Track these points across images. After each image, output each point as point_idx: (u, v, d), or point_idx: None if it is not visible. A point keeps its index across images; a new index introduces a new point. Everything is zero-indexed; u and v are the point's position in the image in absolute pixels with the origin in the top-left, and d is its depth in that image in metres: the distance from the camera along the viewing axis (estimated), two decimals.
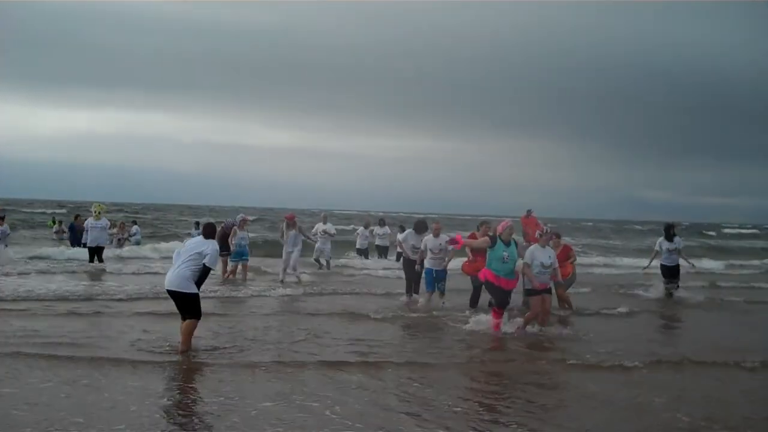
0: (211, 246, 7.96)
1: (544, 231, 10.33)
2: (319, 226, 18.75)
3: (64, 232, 21.74)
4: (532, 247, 10.08)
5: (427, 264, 11.98)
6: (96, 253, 17.30)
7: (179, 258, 8.00)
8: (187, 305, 7.93)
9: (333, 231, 19.05)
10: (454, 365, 7.95)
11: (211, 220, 14.23)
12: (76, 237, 22.21)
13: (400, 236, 13.39)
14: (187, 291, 7.87)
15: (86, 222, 17.82)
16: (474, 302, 11.93)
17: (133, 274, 16.43)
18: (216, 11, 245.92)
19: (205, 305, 8.55)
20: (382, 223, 22.80)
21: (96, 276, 15.84)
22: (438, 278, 12.00)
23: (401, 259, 14.00)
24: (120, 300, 11.96)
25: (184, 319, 7.98)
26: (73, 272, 16.27)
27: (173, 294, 7.92)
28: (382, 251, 22.04)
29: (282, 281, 15.03)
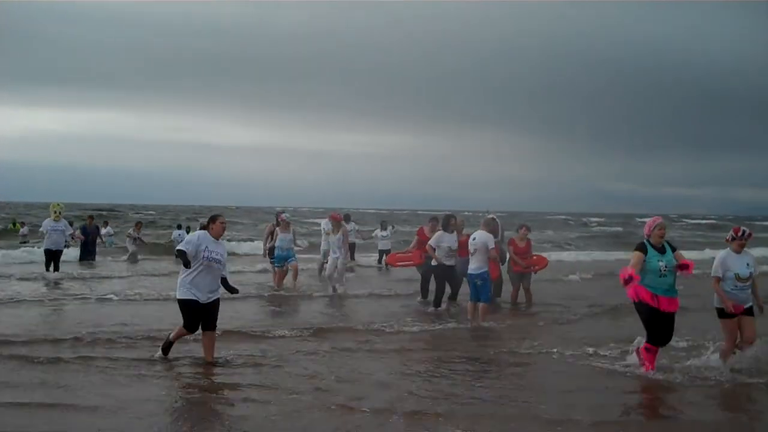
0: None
1: (744, 234, 7.30)
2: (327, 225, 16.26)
3: (80, 238, 19.75)
4: (723, 253, 7.38)
5: (484, 266, 10.10)
6: (54, 258, 15.63)
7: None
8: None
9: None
10: None
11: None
12: (88, 242, 20.11)
13: (432, 241, 11.35)
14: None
15: (44, 224, 16.12)
16: (425, 293, 12.06)
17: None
18: (183, 7, 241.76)
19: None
20: (384, 225, 21.31)
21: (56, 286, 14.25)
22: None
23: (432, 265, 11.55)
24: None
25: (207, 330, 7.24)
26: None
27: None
28: (385, 254, 19.84)
29: (335, 289, 13.13)
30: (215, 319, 7.26)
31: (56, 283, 14.21)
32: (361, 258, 20.80)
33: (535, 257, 12.67)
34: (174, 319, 7.87)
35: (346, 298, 12.75)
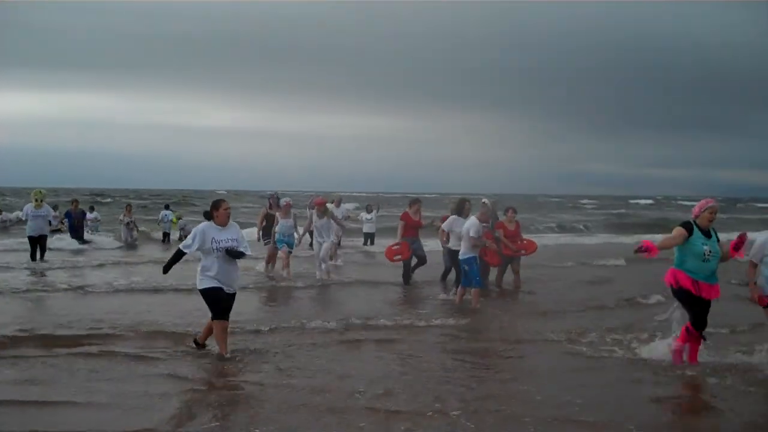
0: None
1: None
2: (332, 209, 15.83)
3: (62, 222, 19.23)
4: (764, 236, 6.85)
5: (469, 252, 10.02)
6: (38, 244, 15.22)
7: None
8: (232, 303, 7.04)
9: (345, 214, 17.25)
10: None
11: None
12: (73, 226, 19.70)
13: (445, 226, 11.19)
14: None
15: (24, 209, 15.55)
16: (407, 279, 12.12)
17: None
18: None
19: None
20: (369, 208, 21.08)
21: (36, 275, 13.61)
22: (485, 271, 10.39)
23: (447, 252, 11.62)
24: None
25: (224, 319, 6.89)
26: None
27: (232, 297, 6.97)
28: (369, 237, 20.37)
29: (321, 279, 12.75)
30: (229, 311, 6.94)
31: (42, 273, 13.57)
32: (347, 242, 20.32)
33: (525, 241, 12.53)
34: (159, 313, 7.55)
35: (335, 286, 12.31)
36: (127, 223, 21.06)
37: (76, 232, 19.83)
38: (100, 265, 15.04)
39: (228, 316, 6.91)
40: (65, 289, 11.28)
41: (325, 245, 12.77)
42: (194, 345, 7.15)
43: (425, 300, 10.89)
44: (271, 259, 13.76)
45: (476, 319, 9.23)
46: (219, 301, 6.76)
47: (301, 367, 6.59)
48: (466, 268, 9.93)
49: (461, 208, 10.98)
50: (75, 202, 21.77)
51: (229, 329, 7.02)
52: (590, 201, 75.58)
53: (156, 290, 11.27)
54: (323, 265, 12.81)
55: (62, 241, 19.22)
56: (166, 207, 23.97)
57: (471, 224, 9.89)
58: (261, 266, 13.75)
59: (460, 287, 10.36)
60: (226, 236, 6.76)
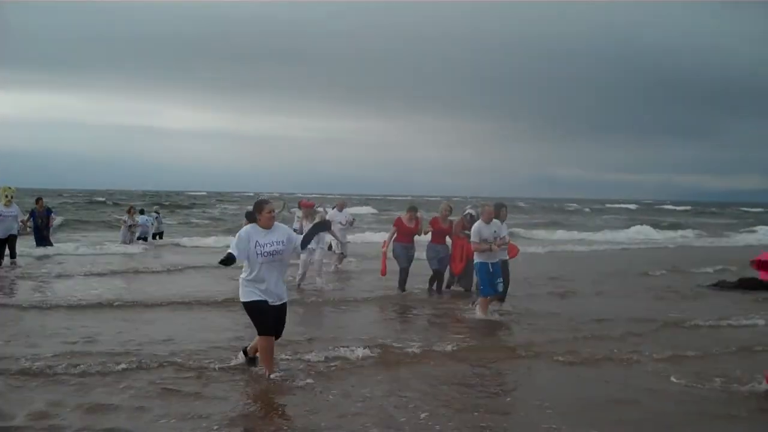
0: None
1: None
2: (334, 215, 15.10)
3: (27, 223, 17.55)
4: None
5: (478, 257, 9.46)
6: (7, 245, 14.35)
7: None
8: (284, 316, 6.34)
9: (349, 218, 15.73)
10: None
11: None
12: (38, 227, 17.67)
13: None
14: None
15: None
16: (402, 284, 11.77)
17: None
18: None
19: None
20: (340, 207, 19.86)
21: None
22: (496, 274, 9.51)
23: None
24: None
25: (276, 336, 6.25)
26: None
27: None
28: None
29: (299, 286, 11.81)
30: (282, 326, 6.26)
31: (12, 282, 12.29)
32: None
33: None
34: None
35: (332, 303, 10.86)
36: (130, 226, 20.48)
37: (40, 233, 18.25)
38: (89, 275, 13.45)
39: (279, 332, 6.24)
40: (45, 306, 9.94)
41: (317, 253, 11.96)
42: (243, 355, 6.51)
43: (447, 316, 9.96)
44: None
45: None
46: (263, 313, 6.04)
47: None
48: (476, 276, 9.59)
49: (498, 213, 10.22)
50: (40, 200, 20.14)
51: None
52: (571, 204, 76.42)
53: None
54: (319, 279, 12.07)
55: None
56: (141, 212, 23.14)
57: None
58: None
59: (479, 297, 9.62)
60: (270, 240, 6.04)
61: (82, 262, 15.51)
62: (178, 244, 22.00)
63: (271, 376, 6.09)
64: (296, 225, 18.42)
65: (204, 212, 46.60)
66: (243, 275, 6.14)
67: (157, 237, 22.86)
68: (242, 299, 6.13)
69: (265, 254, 5.98)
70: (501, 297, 9.87)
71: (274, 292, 6.09)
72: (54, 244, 18.23)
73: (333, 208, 15.72)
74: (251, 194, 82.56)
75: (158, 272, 14.15)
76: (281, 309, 6.19)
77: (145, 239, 21.53)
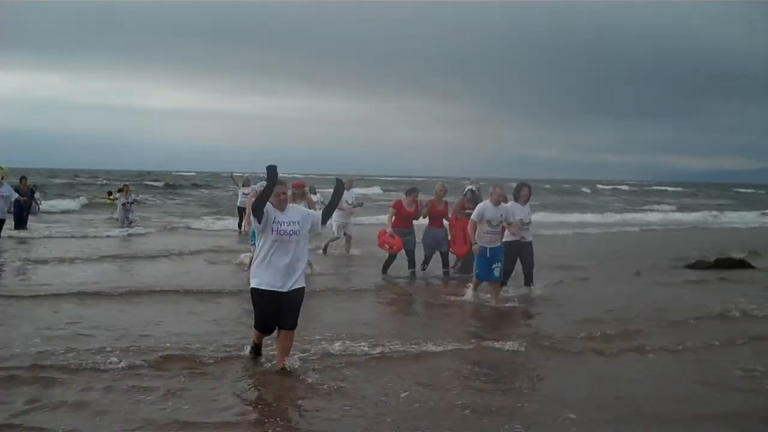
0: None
1: None
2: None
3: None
4: None
5: (479, 240, 9.07)
6: None
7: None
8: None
9: (355, 201, 15.12)
10: None
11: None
12: (20, 206, 16.87)
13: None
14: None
15: None
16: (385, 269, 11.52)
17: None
18: None
19: None
20: (313, 189, 19.16)
21: None
22: (494, 259, 9.04)
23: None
24: None
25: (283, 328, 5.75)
26: None
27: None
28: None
29: (325, 251, 11.84)
30: (296, 315, 5.72)
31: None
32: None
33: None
34: None
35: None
36: (124, 204, 20.31)
37: (20, 215, 17.51)
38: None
39: (295, 322, 5.72)
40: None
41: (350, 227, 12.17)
42: (251, 349, 6.13)
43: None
44: None
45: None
46: (261, 307, 5.71)
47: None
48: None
49: (518, 194, 9.81)
50: (24, 179, 19.42)
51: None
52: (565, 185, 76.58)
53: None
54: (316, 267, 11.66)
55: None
56: (119, 191, 22.69)
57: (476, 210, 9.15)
58: (245, 257, 11.94)
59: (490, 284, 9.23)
60: (287, 218, 5.65)
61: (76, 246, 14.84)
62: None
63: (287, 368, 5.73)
64: (240, 201, 18.59)
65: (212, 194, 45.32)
66: (255, 258, 5.75)
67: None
68: (251, 285, 5.74)
69: (282, 232, 5.57)
70: (503, 283, 9.43)
71: (284, 276, 5.61)
72: (27, 227, 17.59)
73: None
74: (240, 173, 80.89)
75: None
76: (294, 296, 5.68)
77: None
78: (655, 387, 5.74)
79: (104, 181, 51.38)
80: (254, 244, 6.37)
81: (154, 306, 8.70)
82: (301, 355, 6.15)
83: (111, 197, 27.59)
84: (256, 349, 6.09)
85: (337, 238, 14.63)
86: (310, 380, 5.56)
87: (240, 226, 17.74)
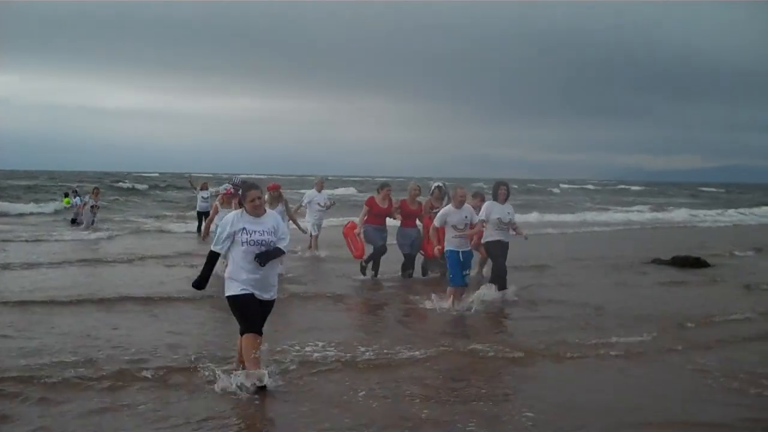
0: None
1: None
2: (312, 195, 14.35)
3: None
4: None
5: (449, 245, 8.88)
6: None
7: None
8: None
9: (327, 202, 14.74)
10: None
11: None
12: None
13: (482, 214, 9.46)
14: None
15: None
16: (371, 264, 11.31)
17: None
18: None
19: None
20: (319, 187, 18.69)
21: None
22: (466, 265, 8.93)
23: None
24: None
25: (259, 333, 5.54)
26: None
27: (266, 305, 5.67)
28: None
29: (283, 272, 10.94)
30: (264, 322, 5.65)
31: None
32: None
33: None
34: None
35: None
36: (92, 207, 20.31)
37: None
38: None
39: (260, 329, 5.56)
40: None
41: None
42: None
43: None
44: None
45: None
46: (249, 307, 5.49)
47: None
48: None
49: (496, 192, 9.68)
50: None
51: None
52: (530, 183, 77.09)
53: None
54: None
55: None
56: (75, 193, 23.58)
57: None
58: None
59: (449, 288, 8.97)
60: (260, 228, 5.49)
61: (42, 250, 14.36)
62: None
63: (262, 382, 5.41)
64: (199, 206, 18.36)
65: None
66: (228, 268, 5.59)
67: None
68: (227, 293, 5.57)
69: (251, 242, 5.42)
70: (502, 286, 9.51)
71: (262, 286, 5.52)
72: None
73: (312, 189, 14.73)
74: (205, 175, 79.92)
75: None
76: (268, 305, 5.65)
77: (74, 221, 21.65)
78: (618, 393, 5.74)
79: (60, 183, 50.38)
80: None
81: (120, 313, 8.50)
82: (271, 358, 6.01)
83: (67, 199, 27.48)
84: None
85: (315, 234, 14.35)
86: (275, 385, 5.47)
87: (199, 230, 17.33)
